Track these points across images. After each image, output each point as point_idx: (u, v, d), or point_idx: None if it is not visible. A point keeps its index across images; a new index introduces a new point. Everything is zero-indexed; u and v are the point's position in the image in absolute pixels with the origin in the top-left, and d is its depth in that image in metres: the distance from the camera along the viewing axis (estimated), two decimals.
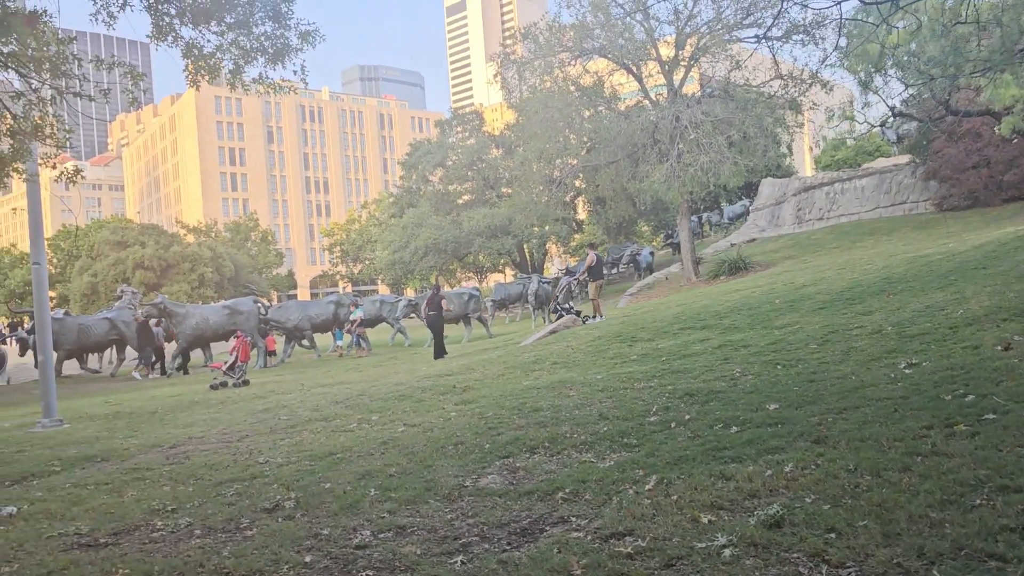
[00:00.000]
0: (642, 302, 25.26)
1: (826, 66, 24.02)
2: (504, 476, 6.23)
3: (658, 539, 4.41)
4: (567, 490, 5.56)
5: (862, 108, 31.68)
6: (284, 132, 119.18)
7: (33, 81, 6.50)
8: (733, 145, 21.86)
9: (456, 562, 4.59)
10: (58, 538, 5.98)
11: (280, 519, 5.84)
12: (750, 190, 51.42)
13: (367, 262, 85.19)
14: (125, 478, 7.84)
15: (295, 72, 6.76)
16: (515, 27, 28.71)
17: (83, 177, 7.71)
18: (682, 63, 25.12)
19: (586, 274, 20.86)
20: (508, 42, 26.23)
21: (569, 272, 36.25)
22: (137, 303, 29.27)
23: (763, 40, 24.49)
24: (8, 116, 6.83)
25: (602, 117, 24.50)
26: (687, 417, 6.93)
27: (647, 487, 5.33)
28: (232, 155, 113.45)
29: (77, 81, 6.45)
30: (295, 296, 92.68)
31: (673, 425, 6.77)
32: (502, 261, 46.86)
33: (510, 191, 42.46)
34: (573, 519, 5.05)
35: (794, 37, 24.00)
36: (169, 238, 65.09)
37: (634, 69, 25.98)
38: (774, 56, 22.19)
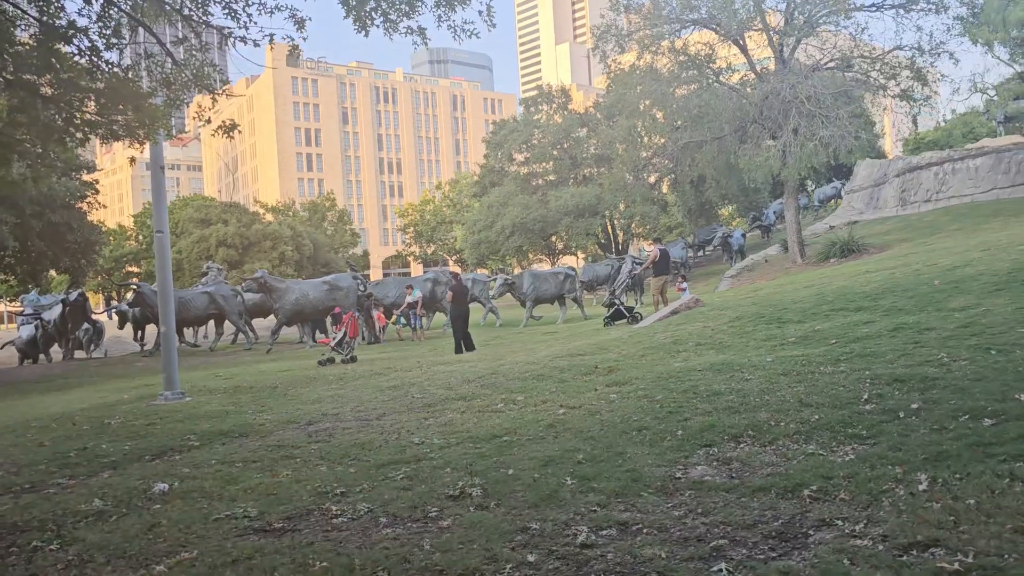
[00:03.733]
0: (746, 284, 24.12)
1: (952, 36, 22.21)
2: (717, 468, 5.49)
3: (984, 554, 3.61)
4: (813, 487, 4.78)
5: (973, 83, 29.49)
6: (359, 113, 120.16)
7: (194, 26, 6.03)
8: (857, 118, 20.46)
9: (720, 570, 3.88)
10: (227, 521, 5.50)
11: (472, 508, 5.23)
12: (838, 172, 49.21)
13: (440, 242, 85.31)
14: (272, 456, 7.38)
15: (480, 12, 6.10)
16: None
17: (239, 131, 7.25)
18: (794, 33, 23.70)
19: (649, 268, 19.86)
20: (610, 13, 25.18)
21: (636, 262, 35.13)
22: (222, 279, 29.49)
23: (883, 9, 22.98)
24: (167, 63, 6.39)
25: (708, 91, 23.30)
26: (914, 406, 6.06)
27: (920, 487, 4.51)
28: (308, 136, 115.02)
29: (245, 23, 5.94)
30: (368, 276, 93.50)
31: (902, 415, 5.91)
32: (582, 243, 45.88)
33: (595, 171, 41.45)
34: (839, 523, 4.28)
35: (918, 5, 22.39)
36: (250, 217, 66.15)
37: (740, 41, 24.68)
38: (897, 25, 20.59)
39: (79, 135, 7.10)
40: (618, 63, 39.87)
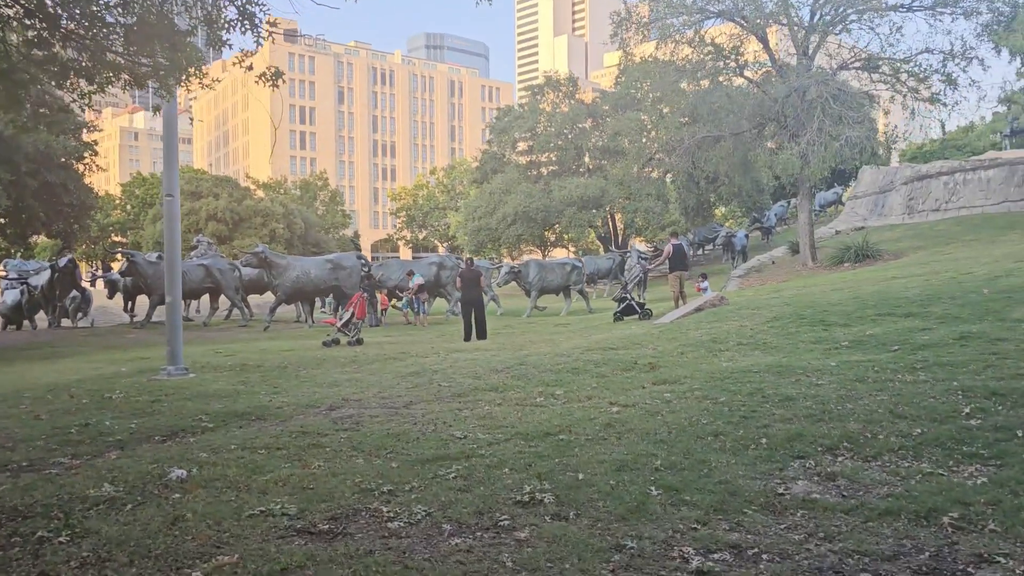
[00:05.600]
0: (756, 285, 23.59)
1: (982, 42, 21.72)
2: (821, 484, 4.88)
3: None
4: (953, 515, 4.17)
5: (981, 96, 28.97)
6: (355, 93, 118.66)
7: None
8: (870, 121, 19.93)
9: None
10: (263, 518, 4.83)
11: (548, 518, 4.59)
12: (839, 178, 48.85)
13: (432, 228, 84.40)
14: (298, 443, 6.71)
15: None
16: None
17: (284, 81, 6.53)
18: (820, 29, 23.11)
19: (665, 264, 19.25)
20: (631, 1, 24.46)
21: (642, 257, 34.64)
22: (213, 252, 28.58)
23: (913, 10, 22.46)
24: None
25: (728, 86, 22.65)
26: None
27: None
28: (303, 114, 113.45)
29: None
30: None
31: (1021, 434, 5.31)
32: (580, 235, 45.16)
33: (599, 163, 40.76)
34: (1001, 560, 3.67)
35: (948, 8, 21.88)
36: (242, 192, 64.94)
37: (763, 35, 24.06)
38: (930, 27, 20.05)
39: (101, 77, 6.36)
40: (630, 55, 39.26)
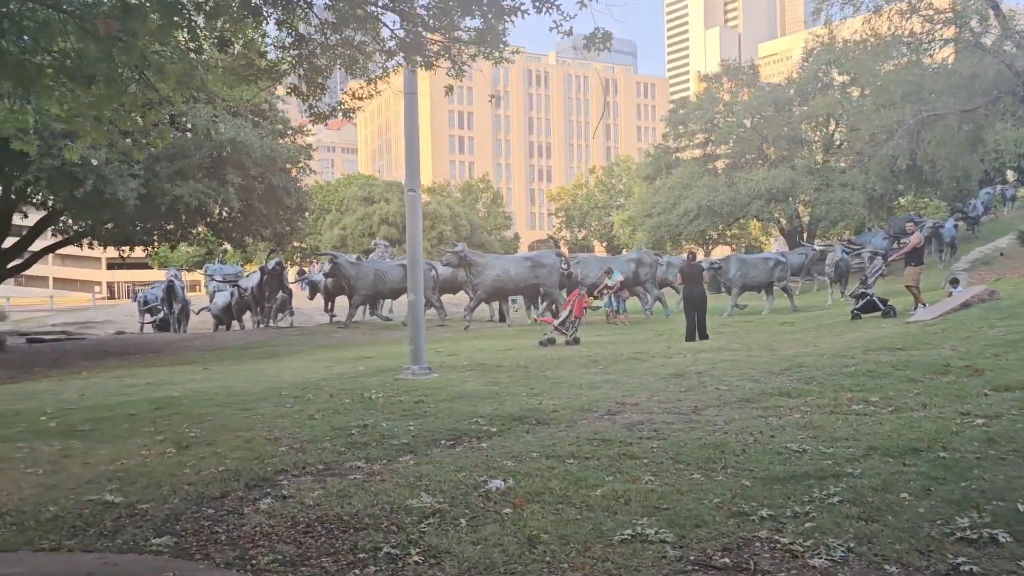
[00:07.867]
0: (992, 279, 21.04)
1: None
2: None
3: None
4: None
5: None
6: (511, 96, 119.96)
7: None
8: None
9: None
10: (640, 544, 4.15)
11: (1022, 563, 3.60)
12: None
13: (592, 228, 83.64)
14: (606, 453, 6.04)
15: None
16: None
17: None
18: None
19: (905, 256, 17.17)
20: None
21: (850, 246, 32.13)
22: (388, 256, 29.05)
23: None
24: None
25: (932, 64, 20.31)
26: None
27: None
28: (461, 119, 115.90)
29: None
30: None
31: None
32: (767, 228, 42.73)
33: (782, 153, 38.40)
34: None
35: None
36: None
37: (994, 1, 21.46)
38: None
39: (393, 60, 5.97)
40: (819, 37, 36.83)
